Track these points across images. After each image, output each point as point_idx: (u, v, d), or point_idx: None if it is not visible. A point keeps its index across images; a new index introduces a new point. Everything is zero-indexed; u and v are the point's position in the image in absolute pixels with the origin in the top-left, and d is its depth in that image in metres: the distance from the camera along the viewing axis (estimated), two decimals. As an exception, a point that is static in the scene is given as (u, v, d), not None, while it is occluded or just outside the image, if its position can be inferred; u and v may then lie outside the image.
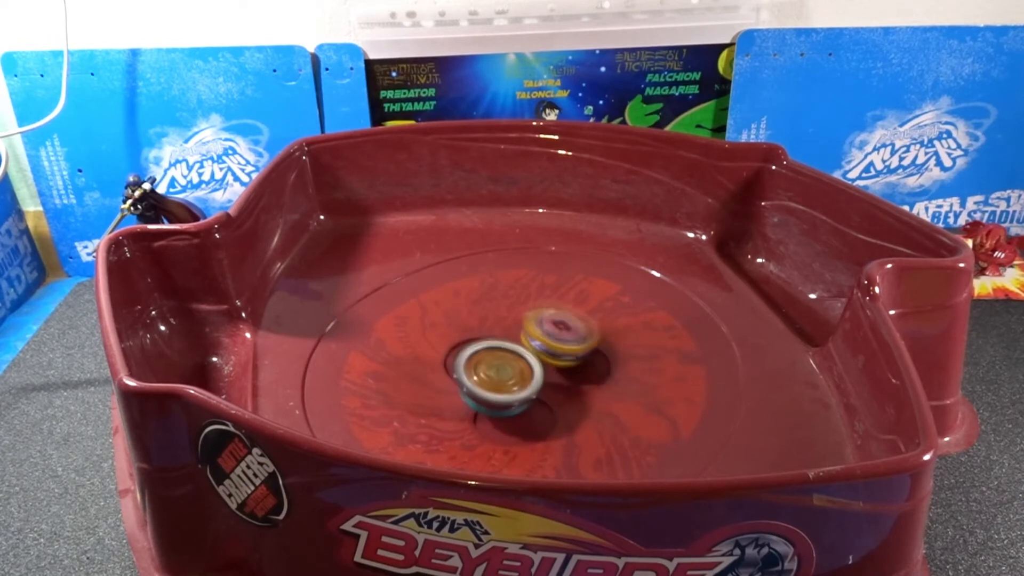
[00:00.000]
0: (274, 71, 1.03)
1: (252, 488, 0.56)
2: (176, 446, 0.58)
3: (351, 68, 1.04)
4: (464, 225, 0.99)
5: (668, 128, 1.09)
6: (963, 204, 1.13)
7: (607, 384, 0.76)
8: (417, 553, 0.53)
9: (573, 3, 1.02)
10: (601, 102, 1.08)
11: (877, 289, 0.68)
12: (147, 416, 0.57)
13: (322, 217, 0.99)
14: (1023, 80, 1.05)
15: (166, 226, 0.77)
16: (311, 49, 1.03)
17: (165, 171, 1.09)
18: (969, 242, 1.05)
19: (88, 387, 0.90)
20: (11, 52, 1.01)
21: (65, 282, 1.12)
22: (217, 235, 0.78)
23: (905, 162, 1.10)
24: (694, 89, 1.07)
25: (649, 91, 1.07)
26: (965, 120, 1.08)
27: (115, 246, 0.73)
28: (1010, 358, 0.90)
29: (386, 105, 1.07)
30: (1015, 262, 1.06)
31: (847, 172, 1.10)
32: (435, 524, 0.52)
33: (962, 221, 1.13)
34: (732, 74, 1.05)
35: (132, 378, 0.57)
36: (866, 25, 1.03)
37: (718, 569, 0.52)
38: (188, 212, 0.97)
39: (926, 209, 1.13)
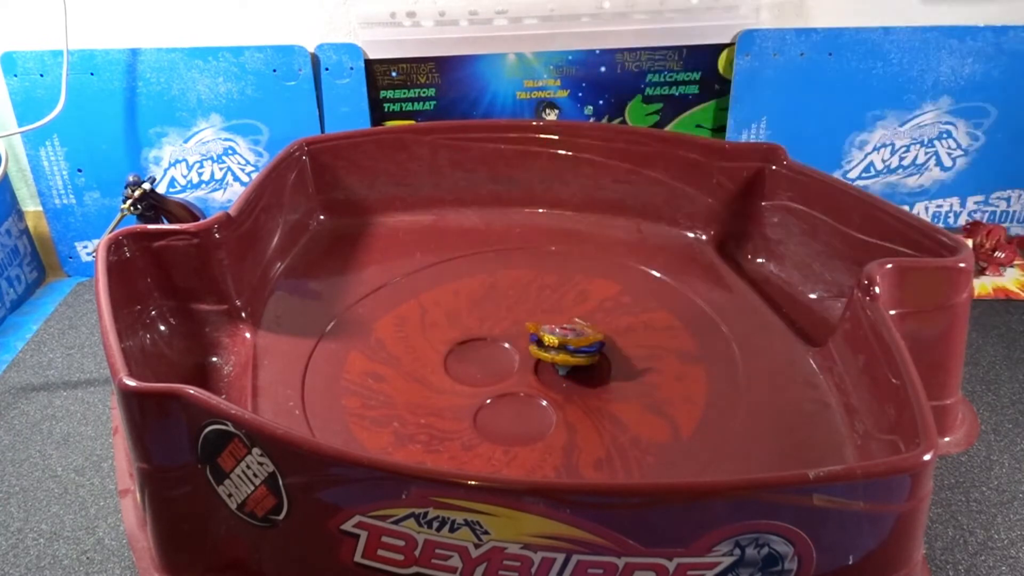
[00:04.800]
0: (274, 71, 1.03)
1: (252, 488, 0.56)
2: (176, 446, 0.58)
3: (351, 68, 1.04)
4: (464, 225, 0.99)
5: (668, 128, 1.09)
6: (963, 204, 1.13)
7: (607, 384, 0.76)
8: (417, 553, 0.53)
9: (573, 3, 1.02)
10: (601, 102, 1.08)
11: (877, 289, 0.68)
12: (147, 416, 0.57)
13: (322, 217, 0.99)
14: (1023, 80, 1.05)
15: (166, 226, 0.77)
16: (311, 49, 1.03)
17: (165, 171, 1.09)
18: (969, 242, 1.05)
19: (88, 387, 0.90)
20: (11, 52, 1.01)
21: (65, 282, 1.12)
22: (217, 235, 0.78)
23: (905, 162, 1.10)
24: (694, 89, 1.07)
25: (649, 91, 1.07)
26: (965, 120, 1.07)
27: (115, 246, 0.73)
28: (1010, 358, 0.90)
29: (386, 105, 1.07)
30: (1015, 262, 1.06)
31: (847, 172, 1.10)
32: (435, 524, 0.52)
33: (962, 221, 1.13)
34: (732, 74, 1.05)
35: (132, 378, 0.57)
36: (866, 25, 1.03)
37: (718, 569, 0.52)
38: (188, 212, 0.97)
39: (926, 209, 1.13)
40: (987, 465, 0.76)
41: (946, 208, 1.13)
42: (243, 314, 0.81)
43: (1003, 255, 1.04)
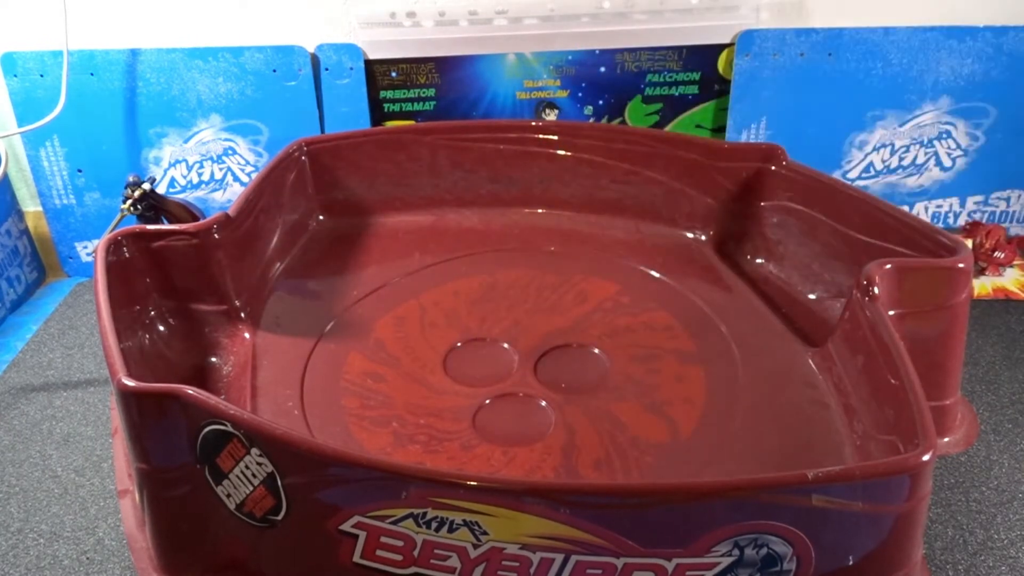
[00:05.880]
0: (274, 71, 1.03)
1: (251, 488, 0.56)
2: (175, 446, 0.58)
3: (351, 68, 1.04)
4: (464, 225, 0.99)
5: (668, 128, 1.09)
6: (963, 204, 1.13)
7: (607, 384, 0.76)
8: (416, 553, 0.53)
9: (573, 3, 1.02)
10: (601, 102, 1.08)
11: (876, 289, 0.68)
12: (146, 416, 0.58)
13: (321, 217, 0.99)
14: (1023, 80, 1.05)
15: (165, 226, 0.77)
16: (311, 49, 1.03)
17: (165, 171, 1.09)
18: (969, 242, 1.05)
19: (88, 387, 0.90)
20: (11, 52, 1.01)
21: (65, 282, 1.12)
22: (216, 235, 0.78)
23: (905, 162, 1.10)
24: (694, 89, 1.07)
25: (649, 91, 1.07)
26: (965, 120, 1.07)
27: (114, 246, 0.73)
28: (1010, 358, 0.90)
29: (386, 105, 1.07)
30: (1015, 262, 1.06)
31: (847, 172, 1.10)
32: (434, 524, 0.52)
33: (962, 221, 1.13)
34: (732, 74, 1.05)
35: (131, 378, 0.57)
36: (866, 25, 1.02)
37: (717, 570, 0.52)
38: (188, 212, 0.97)
39: (926, 209, 1.13)
40: (987, 465, 0.76)
41: (946, 208, 1.13)
42: (242, 314, 0.81)
43: (1003, 255, 1.04)
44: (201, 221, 0.78)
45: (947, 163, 1.10)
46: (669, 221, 0.96)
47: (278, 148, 0.97)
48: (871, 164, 1.10)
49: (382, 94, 1.06)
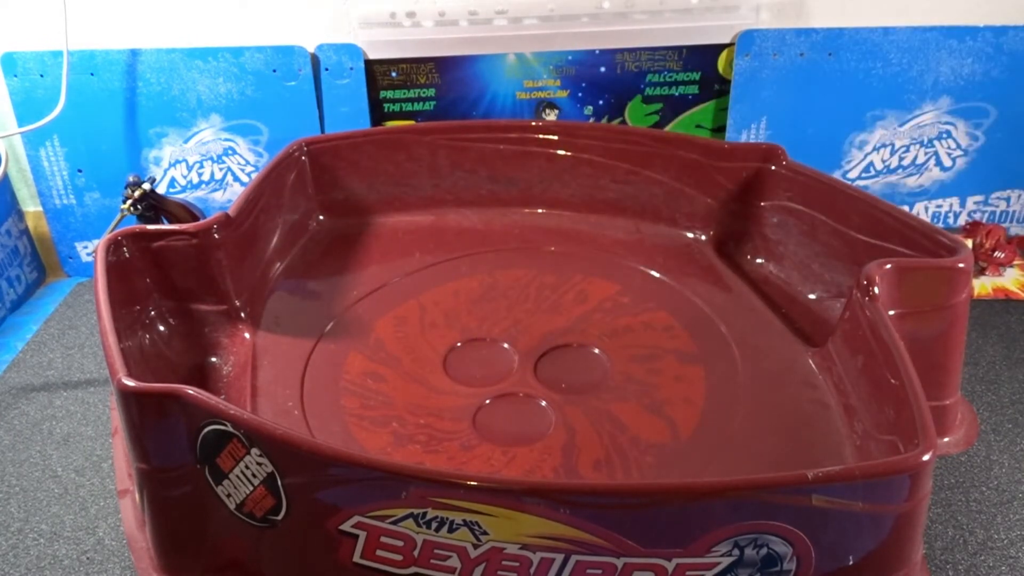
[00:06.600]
0: (274, 71, 1.03)
1: (251, 488, 0.56)
2: (175, 446, 0.58)
3: (351, 68, 1.04)
4: (464, 225, 0.99)
5: (668, 128, 1.09)
6: (963, 204, 1.13)
7: (606, 384, 0.76)
8: (416, 553, 0.53)
9: (573, 3, 1.02)
10: (601, 102, 1.08)
11: (876, 289, 0.68)
12: (146, 416, 0.58)
13: (321, 217, 0.99)
14: (1023, 80, 1.05)
15: (165, 226, 0.77)
16: (311, 49, 1.03)
17: (165, 171, 1.09)
18: (969, 242, 1.05)
19: (88, 387, 0.90)
20: (11, 52, 1.01)
21: (65, 282, 1.12)
22: (216, 235, 0.78)
23: (905, 162, 1.10)
24: (694, 89, 1.07)
25: (649, 91, 1.07)
26: (965, 120, 1.07)
27: (114, 246, 0.73)
28: (1010, 358, 0.90)
29: (386, 105, 1.07)
30: (1015, 262, 1.06)
31: (847, 172, 1.10)
32: (434, 524, 0.52)
33: (962, 221, 1.13)
34: (732, 74, 1.05)
35: (131, 378, 0.57)
36: (866, 25, 1.02)
37: (717, 570, 0.52)
38: (188, 212, 0.97)
39: (926, 209, 1.13)
40: (987, 465, 0.76)
41: (946, 208, 1.13)
42: (242, 314, 0.81)
43: (1003, 255, 1.04)
44: (201, 221, 0.78)
45: (947, 163, 1.10)
46: (669, 221, 0.96)
47: (278, 148, 0.97)
48: (871, 164, 1.10)
49: (382, 94, 1.06)
